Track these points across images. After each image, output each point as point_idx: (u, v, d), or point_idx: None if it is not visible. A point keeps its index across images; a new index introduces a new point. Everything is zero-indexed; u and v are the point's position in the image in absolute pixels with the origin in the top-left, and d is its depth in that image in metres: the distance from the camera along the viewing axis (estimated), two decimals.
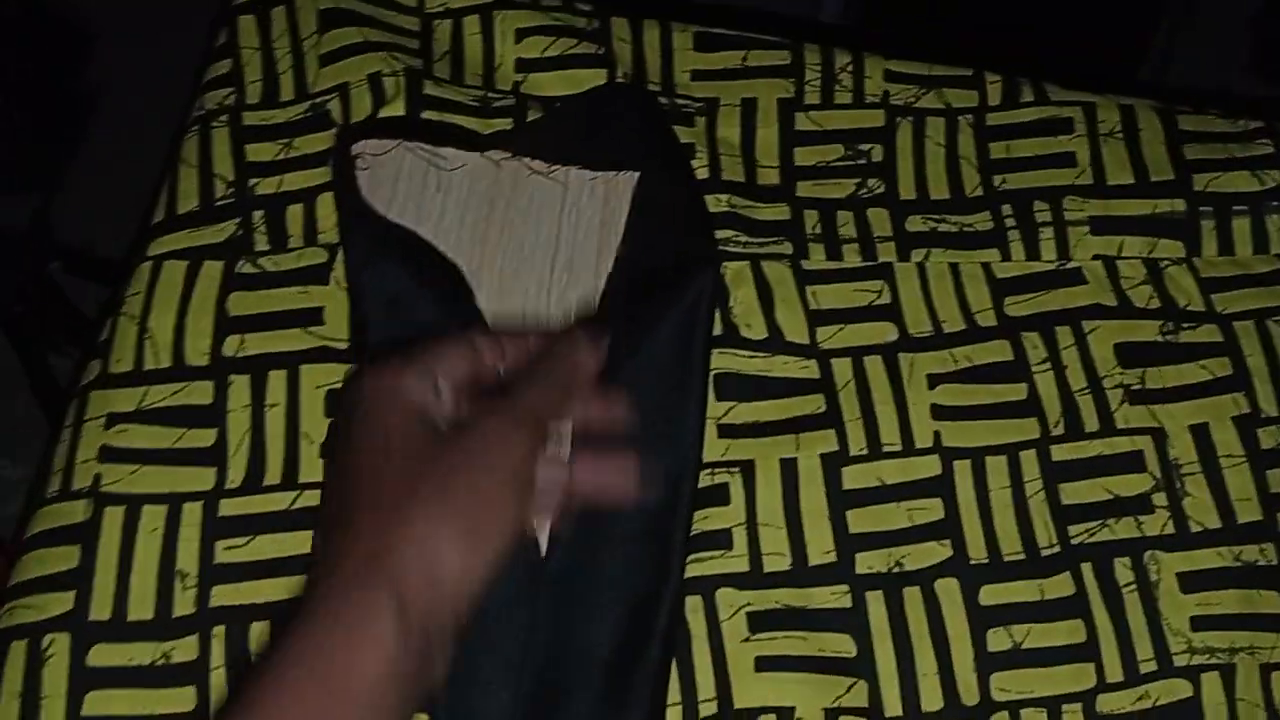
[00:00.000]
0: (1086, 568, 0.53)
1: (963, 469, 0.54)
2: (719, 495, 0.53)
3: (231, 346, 0.55)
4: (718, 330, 0.56)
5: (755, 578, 0.52)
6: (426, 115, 0.59)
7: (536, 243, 0.58)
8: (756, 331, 0.56)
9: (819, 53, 0.62)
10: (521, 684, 0.49)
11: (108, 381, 0.54)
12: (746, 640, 0.51)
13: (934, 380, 0.56)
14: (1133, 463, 0.55)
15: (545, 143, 0.59)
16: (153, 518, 0.52)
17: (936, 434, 0.55)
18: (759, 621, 0.51)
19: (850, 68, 0.62)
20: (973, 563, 0.53)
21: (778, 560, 0.52)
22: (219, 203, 0.57)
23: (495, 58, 0.62)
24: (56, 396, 1.06)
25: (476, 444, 0.39)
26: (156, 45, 1.50)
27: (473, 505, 0.37)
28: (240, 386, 0.54)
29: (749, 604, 0.51)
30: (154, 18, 1.53)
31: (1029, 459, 0.55)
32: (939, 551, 0.53)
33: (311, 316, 0.56)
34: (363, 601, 0.35)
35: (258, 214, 0.57)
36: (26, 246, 0.95)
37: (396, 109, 0.59)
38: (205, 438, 0.53)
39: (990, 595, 0.52)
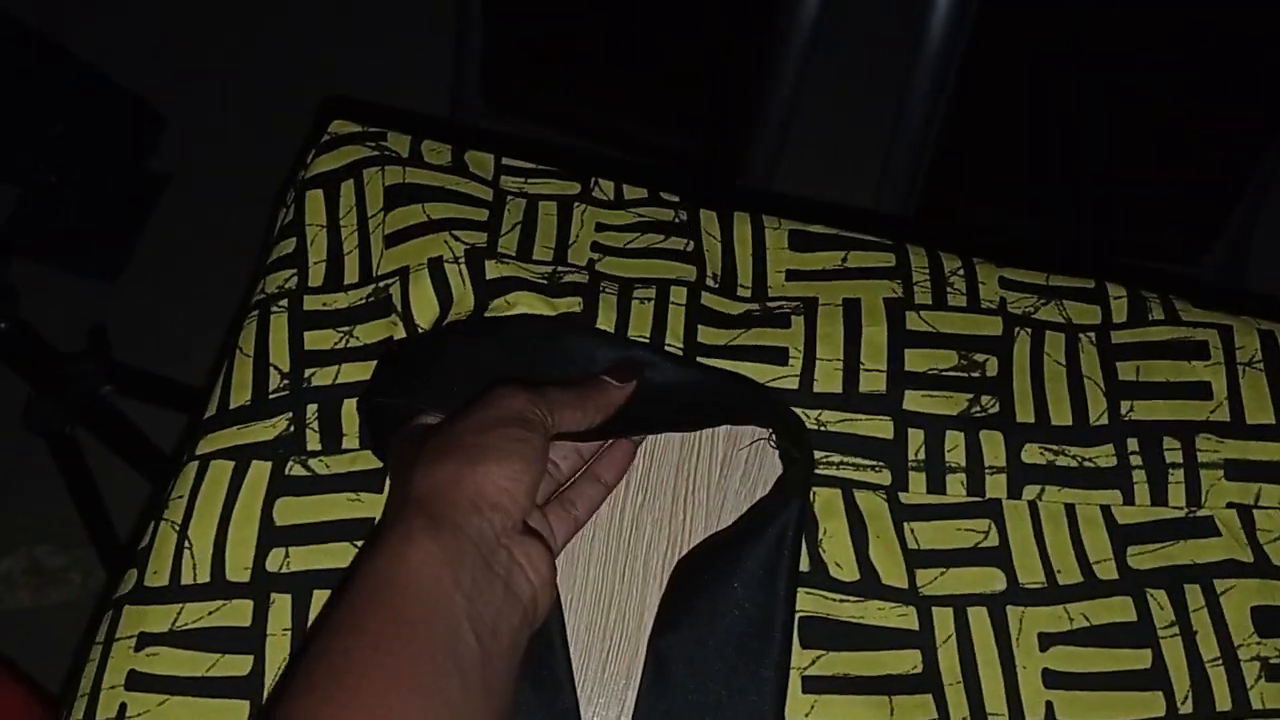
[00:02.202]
0: None
1: None
2: None
3: (275, 560, 0.51)
4: (805, 567, 0.51)
5: None
6: (492, 306, 0.55)
7: None
8: (848, 572, 0.51)
9: (925, 255, 0.57)
10: None
11: (142, 595, 0.50)
12: None
13: (1046, 641, 0.50)
14: None
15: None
16: None
17: (1049, 705, 0.49)
18: None
19: (961, 271, 0.57)
20: None
21: None
22: (272, 395, 0.54)
23: (570, 236, 0.58)
24: (101, 516, 1.04)
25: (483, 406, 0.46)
26: (224, 136, 1.51)
27: (476, 444, 0.44)
28: (282, 607, 0.50)
29: None
30: (223, 108, 1.54)
31: None
32: None
33: (361, 529, 0.51)
34: (394, 525, 0.42)
35: (311, 408, 0.53)
36: (80, 370, 0.92)
37: (464, 300, 0.55)
38: (240, 665, 0.49)
39: None
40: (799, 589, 0.50)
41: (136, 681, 0.49)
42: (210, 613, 0.50)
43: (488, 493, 0.42)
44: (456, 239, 0.56)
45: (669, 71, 1.12)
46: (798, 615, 0.50)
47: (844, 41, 1.35)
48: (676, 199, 0.58)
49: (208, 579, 0.50)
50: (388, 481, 0.51)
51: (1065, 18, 1.06)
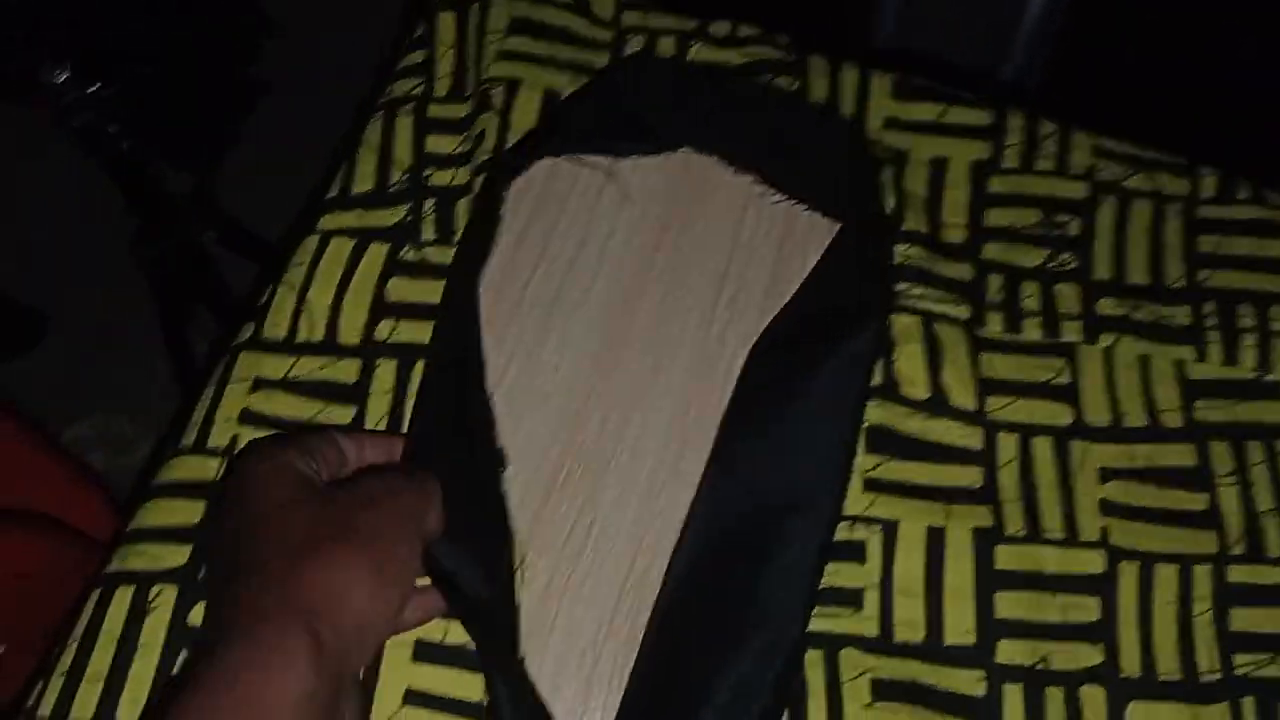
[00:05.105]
0: (1248, 702, 0.51)
1: (1128, 571, 0.53)
2: (855, 552, 0.53)
3: (384, 330, 0.57)
4: (878, 381, 0.56)
5: (884, 644, 0.52)
6: None
7: (703, 274, 0.60)
8: (919, 390, 0.56)
9: (1022, 118, 0.63)
10: None
11: (259, 345, 0.57)
12: (868, 707, 0.50)
13: (1107, 474, 0.55)
14: None
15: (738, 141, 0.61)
16: None
17: (1104, 529, 0.54)
18: (884, 691, 0.51)
19: (1056, 136, 0.62)
20: (1124, 675, 0.51)
21: (910, 631, 0.52)
22: (393, 188, 0.61)
23: None
24: (189, 361, 1.12)
25: (371, 490, 0.46)
26: (330, 42, 1.59)
27: (376, 542, 0.43)
28: (386, 371, 0.57)
29: (874, 670, 0.51)
30: (330, 15, 1.62)
31: (1202, 575, 0.53)
32: (1089, 655, 0.52)
33: None
34: (279, 636, 0.39)
35: (429, 202, 0.60)
36: (186, 212, 1.01)
37: None
38: (344, 416, 0.56)
39: (1138, 714, 0.51)
40: (869, 401, 0.56)
41: (249, 418, 0.56)
42: (321, 367, 0.57)
43: (375, 623, 0.42)
44: (579, 81, 0.63)
45: None
46: (865, 424, 0.55)
47: None
48: (788, 40, 0.64)
49: (322, 338, 0.57)
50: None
51: None
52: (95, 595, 0.52)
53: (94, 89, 0.81)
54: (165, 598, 0.51)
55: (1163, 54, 1.14)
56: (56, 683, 0.50)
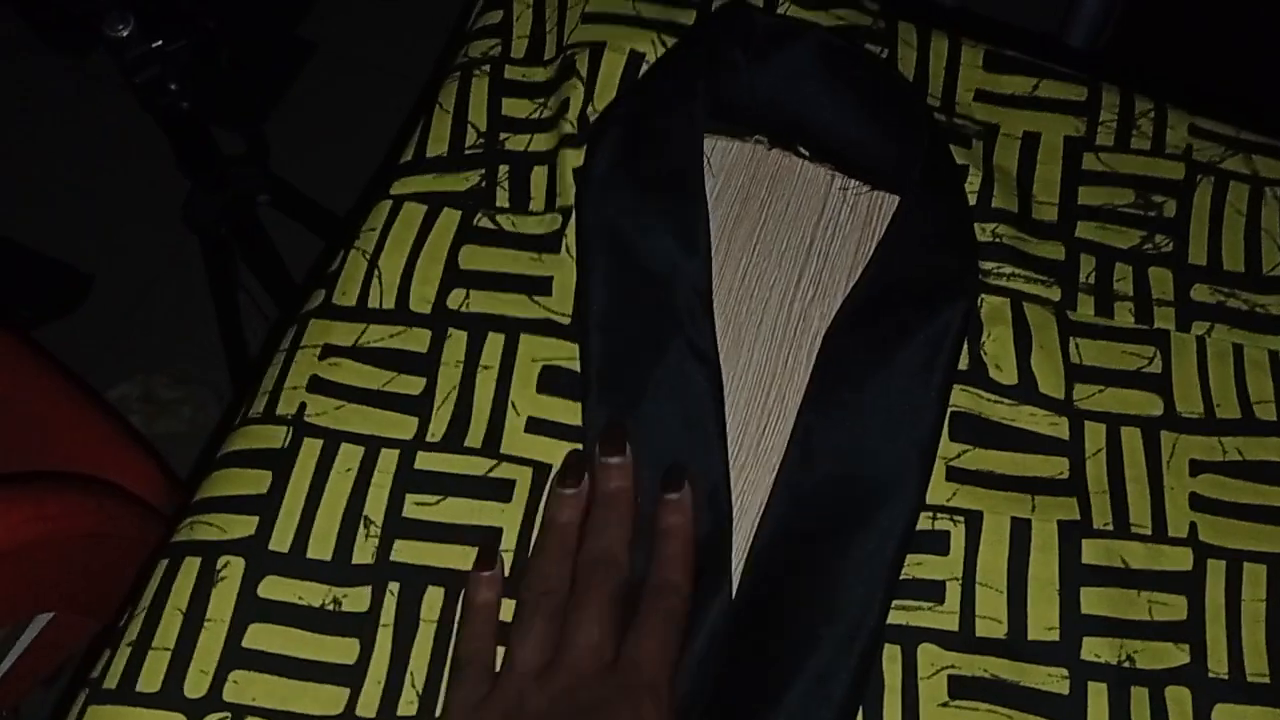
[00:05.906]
0: None
1: (1216, 570, 0.53)
2: (938, 543, 0.53)
3: (456, 300, 0.57)
4: (964, 365, 0.56)
5: (964, 640, 0.51)
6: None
7: (786, 250, 0.59)
8: (1007, 375, 0.56)
9: (1118, 94, 0.62)
10: None
11: (330, 312, 0.57)
12: (944, 705, 0.50)
13: (1197, 467, 0.55)
14: None
15: (816, 119, 0.60)
16: (348, 457, 0.54)
17: (1193, 525, 0.53)
18: (961, 688, 0.50)
19: (1151, 114, 0.61)
20: (1211, 676, 0.51)
21: (992, 626, 0.52)
22: (468, 151, 0.60)
23: None
24: (238, 327, 1.13)
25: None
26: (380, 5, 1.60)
27: None
28: (457, 341, 0.56)
29: (953, 666, 0.51)
30: None
31: None
32: (1176, 655, 0.51)
33: (539, 285, 0.58)
34: None
35: (503, 168, 0.60)
36: (240, 172, 1.01)
37: None
38: (414, 385, 0.56)
39: (1225, 716, 0.50)
40: (954, 386, 0.55)
41: (317, 386, 0.56)
42: (392, 335, 0.57)
43: None
44: (663, 42, 0.62)
45: None
46: (950, 409, 0.55)
47: None
48: (876, 7, 0.63)
49: (392, 305, 0.57)
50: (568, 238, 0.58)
51: None
52: (162, 566, 0.52)
53: (157, 44, 0.81)
54: (233, 569, 0.52)
55: (1229, 39, 1.13)
56: (123, 653, 0.50)
